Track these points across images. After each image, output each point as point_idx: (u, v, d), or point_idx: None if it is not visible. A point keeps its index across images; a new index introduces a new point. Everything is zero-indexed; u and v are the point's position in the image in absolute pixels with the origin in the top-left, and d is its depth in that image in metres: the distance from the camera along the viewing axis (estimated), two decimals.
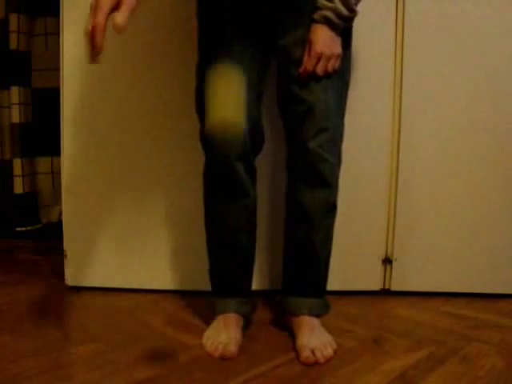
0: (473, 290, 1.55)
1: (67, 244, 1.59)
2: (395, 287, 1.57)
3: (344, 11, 1.08)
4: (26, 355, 1.12)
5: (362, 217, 1.54)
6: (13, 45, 2.09)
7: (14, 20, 2.07)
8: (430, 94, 1.48)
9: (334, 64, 1.12)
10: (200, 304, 1.42)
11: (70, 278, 1.60)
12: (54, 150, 1.88)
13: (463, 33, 1.46)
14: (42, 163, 2.26)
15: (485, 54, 1.46)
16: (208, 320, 1.28)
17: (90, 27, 0.94)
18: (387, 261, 1.56)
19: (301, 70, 1.12)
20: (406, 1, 1.45)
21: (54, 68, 1.64)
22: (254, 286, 1.33)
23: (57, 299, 1.53)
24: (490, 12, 1.44)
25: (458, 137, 1.50)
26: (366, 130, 1.49)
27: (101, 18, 0.92)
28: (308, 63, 1.11)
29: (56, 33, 1.68)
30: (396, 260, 1.55)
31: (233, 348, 1.14)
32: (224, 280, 1.28)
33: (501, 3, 1.44)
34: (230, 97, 1.12)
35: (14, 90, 2.12)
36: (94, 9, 0.93)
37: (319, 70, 1.11)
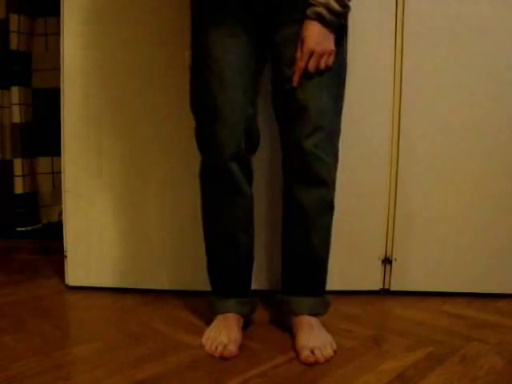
0: (472, 290, 1.55)
1: (67, 244, 1.60)
2: (395, 287, 1.57)
3: (336, 7, 1.08)
4: (26, 355, 1.12)
5: (361, 217, 1.54)
6: (13, 45, 2.10)
7: (14, 20, 2.07)
8: (429, 95, 1.48)
9: (326, 61, 1.11)
10: (200, 304, 1.42)
11: (70, 278, 1.60)
12: (54, 149, 1.89)
13: (463, 33, 1.46)
14: (43, 163, 2.27)
15: (485, 53, 1.46)
16: (208, 320, 1.28)
17: None
18: (387, 261, 1.56)
19: (294, 67, 1.11)
20: (405, 1, 1.45)
21: (54, 68, 1.64)
22: (254, 285, 1.33)
23: (57, 299, 1.53)
24: (491, 11, 1.44)
25: (458, 137, 1.50)
26: (365, 130, 1.49)
27: None
28: (300, 60, 1.10)
29: (56, 33, 1.68)
30: (396, 260, 1.55)
31: (233, 348, 1.14)
32: (223, 280, 1.28)
33: (501, 3, 1.44)
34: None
35: (15, 90, 2.13)
36: None
37: (311, 66, 1.10)
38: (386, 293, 1.57)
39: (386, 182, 1.52)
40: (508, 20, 1.45)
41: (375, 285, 1.57)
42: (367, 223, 1.54)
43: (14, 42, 2.09)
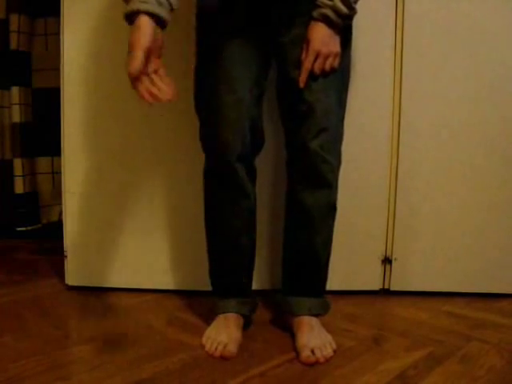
0: (472, 290, 1.55)
1: (67, 244, 1.60)
2: (395, 287, 1.57)
3: (343, 9, 1.08)
4: (26, 355, 1.12)
5: (361, 217, 1.54)
6: (13, 45, 2.09)
7: (14, 20, 2.07)
8: (429, 94, 1.48)
9: (332, 62, 1.11)
10: (200, 304, 1.43)
11: (70, 278, 1.60)
12: (55, 149, 1.89)
13: (463, 32, 1.46)
14: (43, 163, 2.26)
15: (485, 52, 1.46)
16: (208, 320, 1.28)
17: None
18: (387, 261, 1.56)
19: (301, 69, 1.11)
20: (405, 1, 1.45)
21: (54, 68, 1.64)
22: (254, 285, 1.33)
23: (57, 299, 1.53)
24: (490, 11, 1.44)
25: (458, 136, 1.50)
26: (365, 129, 1.50)
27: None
28: (306, 61, 1.11)
29: (56, 33, 1.68)
30: (396, 260, 1.55)
31: (233, 348, 1.15)
32: (224, 280, 1.28)
33: (501, 2, 1.44)
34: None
35: (15, 90, 2.12)
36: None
37: (316, 68, 1.10)
38: (385, 293, 1.57)
39: (386, 181, 1.52)
40: (507, 19, 1.45)
41: (375, 285, 1.57)
42: (367, 223, 1.54)
43: (14, 42, 2.09)
